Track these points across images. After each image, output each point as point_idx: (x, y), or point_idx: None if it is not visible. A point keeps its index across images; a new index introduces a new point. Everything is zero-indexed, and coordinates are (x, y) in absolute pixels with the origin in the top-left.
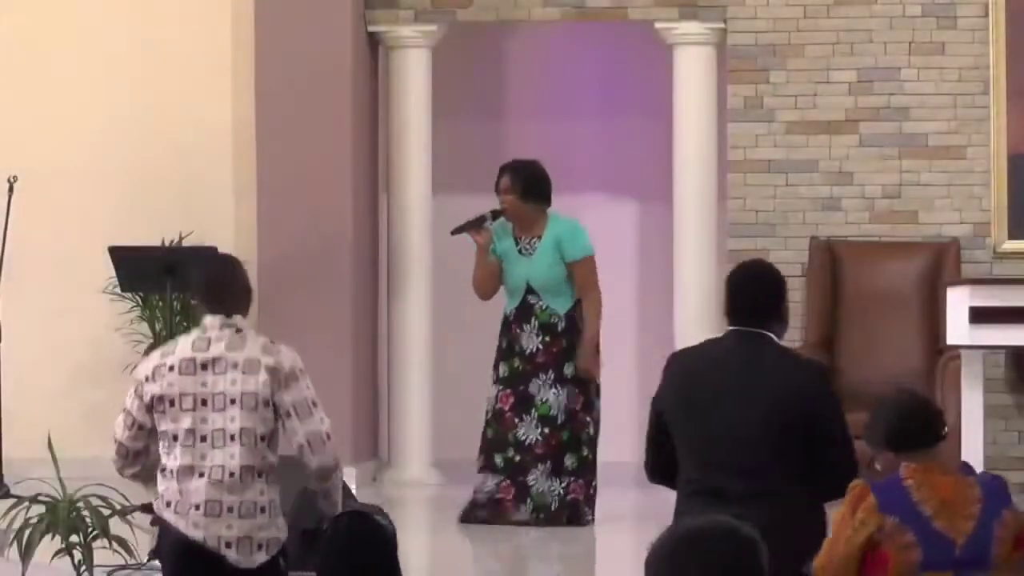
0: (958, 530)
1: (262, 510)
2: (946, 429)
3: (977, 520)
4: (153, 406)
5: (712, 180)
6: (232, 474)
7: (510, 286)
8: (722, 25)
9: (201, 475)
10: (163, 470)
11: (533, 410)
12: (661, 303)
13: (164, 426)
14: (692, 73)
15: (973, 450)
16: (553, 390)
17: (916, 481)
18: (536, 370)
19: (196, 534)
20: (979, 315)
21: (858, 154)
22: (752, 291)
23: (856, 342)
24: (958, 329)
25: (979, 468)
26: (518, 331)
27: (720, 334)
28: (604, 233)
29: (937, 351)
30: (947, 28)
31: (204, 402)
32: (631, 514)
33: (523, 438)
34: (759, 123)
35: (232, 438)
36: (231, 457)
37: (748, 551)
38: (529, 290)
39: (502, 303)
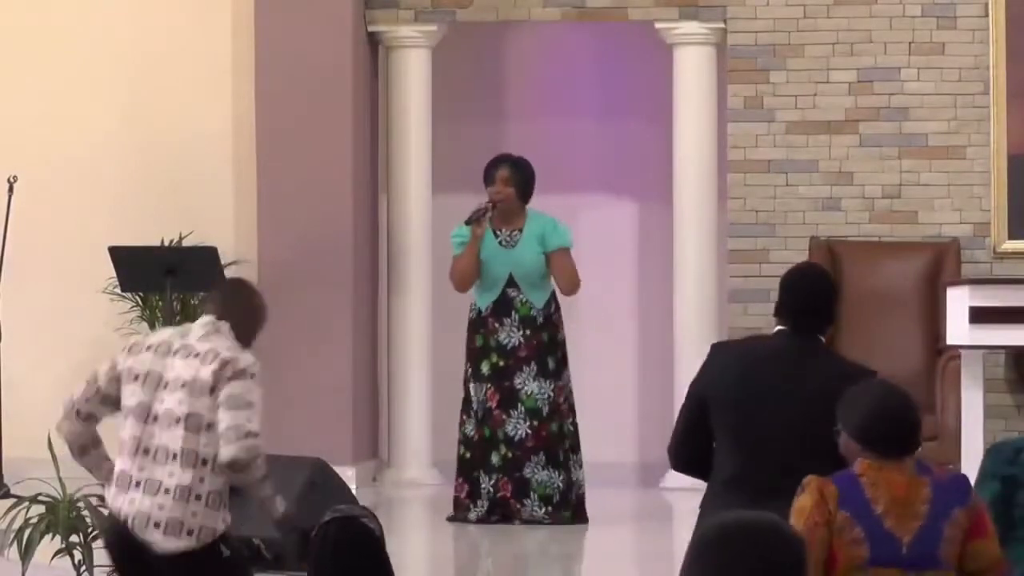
0: (905, 529)
1: (198, 497)
2: (913, 445)
3: (924, 520)
4: (122, 378)
5: (712, 180)
6: (175, 456)
7: (489, 279)
8: (722, 25)
9: (147, 452)
10: (121, 447)
11: (520, 404)
12: (661, 303)
13: (126, 400)
14: (692, 73)
15: (973, 450)
16: (537, 383)
17: (870, 478)
18: (519, 364)
19: (129, 510)
20: (979, 315)
21: (858, 154)
22: (812, 295)
23: (856, 342)
24: (958, 329)
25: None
26: (496, 326)
27: (769, 333)
28: (604, 233)
29: (937, 351)
30: (947, 28)
31: (165, 384)
32: (631, 514)
33: (512, 434)
34: (759, 123)
35: (178, 421)
36: (175, 440)
37: (792, 549)
38: (509, 283)
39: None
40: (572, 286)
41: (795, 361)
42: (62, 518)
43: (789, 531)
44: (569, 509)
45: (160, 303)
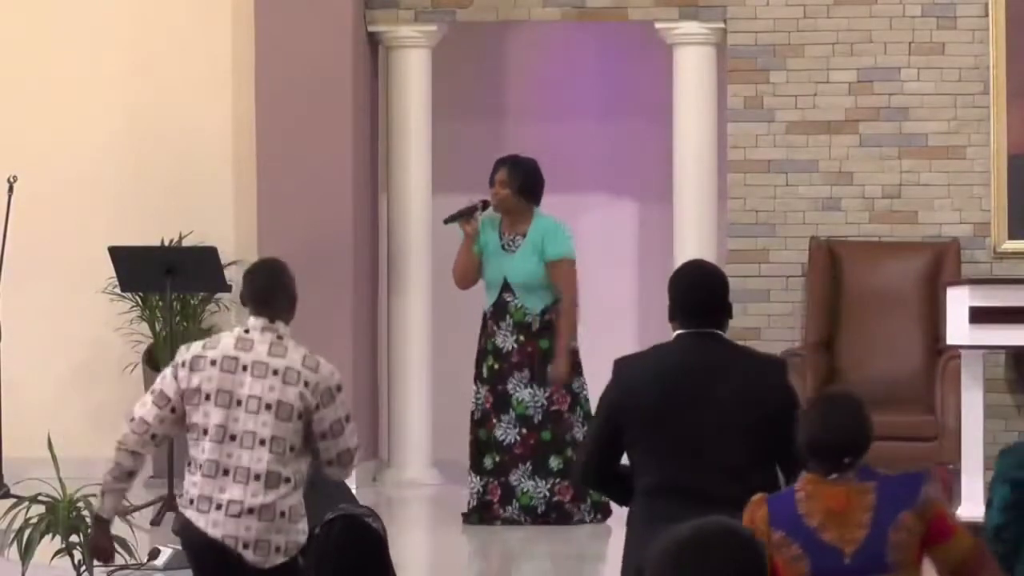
0: (846, 540)
1: (282, 514)
2: (849, 459)
3: (869, 528)
4: (187, 396)
5: (712, 180)
6: (258, 477)
7: (488, 280)
8: (722, 25)
9: (226, 473)
10: (190, 463)
11: (511, 410)
12: (661, 303)
13: (195, 418)
14: (692, 73)
15: (973, 450)
16: (529, 390)
17: (807, 492)
18: (511, 369)
19: (215, 532)
20: (979, 315)
21: (858, 154)
22: (703, 291)
23: (856, 342)
24: (958, 329)
25: (979, 468)
26: (494, 328)
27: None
28: (604, 233)
29: (937, 351)
30: (947, 28)
31: (239, 402)
32: None
33: (501, 439)
34: (759, 123)
35: (262, 443)
36: (258, 461)
37: (751, 552)
38: (505, 287)
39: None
40: (568, 315)
41: (705, 363)
42: (62, 518)
43: (747, 533)
44: (552, 513)
45: (160, 303)
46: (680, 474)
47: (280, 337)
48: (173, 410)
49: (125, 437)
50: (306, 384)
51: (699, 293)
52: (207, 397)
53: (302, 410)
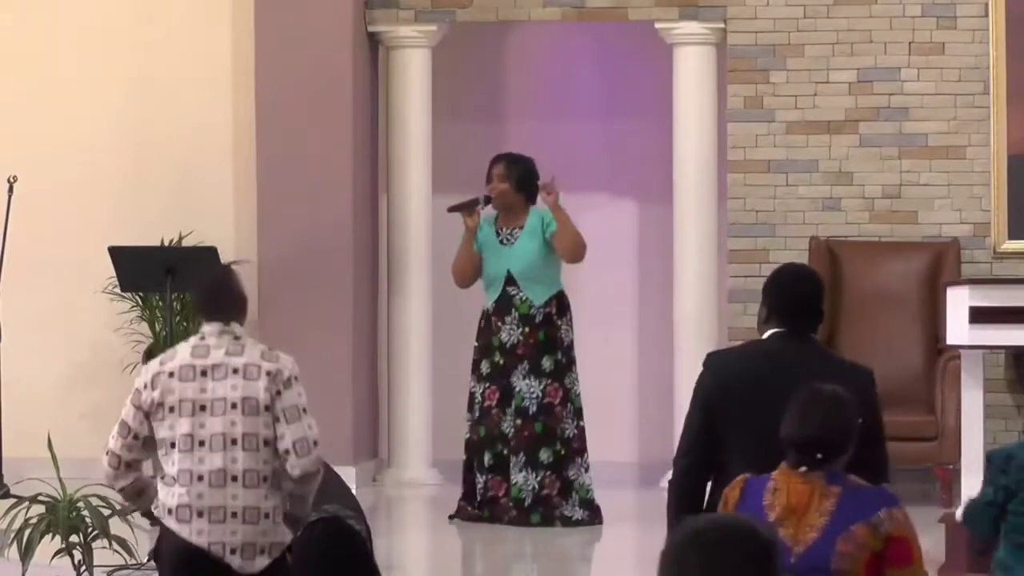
0: (798, 539)
1: (266, 515)
2: (822, 456)
3: (820, 532)
4: (151, 413)
5: (712, 180)
6: (235, 478)
7: (489, 277)
8: (722, 25)
9: (201, 479)
10: (163, 477)
11: (512, 402)
12: (661, 303)
13: (162, 433)
14: (692, 73)
15: (973, 450)
16: (527, 381)
17: (777, 483)
18: (515, 362)
19: (199, 541)
20: (979, 315)
21: (858, 154)
22: (806, 296)
23: (856, 342)
24: (958, 329)
25: (979, 468)
26: (499, 324)
27: (764, 337)
28: (604, 233)
29: (937, 351)
30: (947, 28)
31: (203, 408)
32: (631, 514)
33: (506, 432)
34: (759, 123)
35: (234, 442)
36: (233, 461)
37: (762, 548)
38: (509, 280)
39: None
40: (574, 246)
41: (798, 362)
42: (62, 518)
43: (760, 530)
44: (538, 513)
45: (160, 303)
46: (762, 469)
47: (237, 338)
48: (135, 437)
49: (105, 472)
50: (268, 374)
51: (797, 296)
52: (171, 410)
53: (268, 402)
